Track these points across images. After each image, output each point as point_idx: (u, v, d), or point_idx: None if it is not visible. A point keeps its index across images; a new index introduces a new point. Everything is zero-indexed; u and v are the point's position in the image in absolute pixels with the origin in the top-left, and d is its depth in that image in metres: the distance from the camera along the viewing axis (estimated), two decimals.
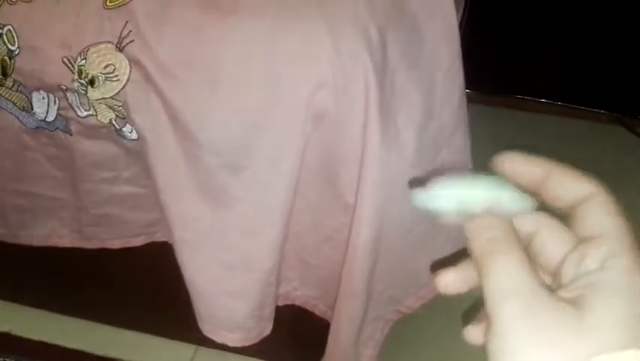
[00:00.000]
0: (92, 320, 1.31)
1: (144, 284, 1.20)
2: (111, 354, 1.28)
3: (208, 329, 0.97)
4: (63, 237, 1.05)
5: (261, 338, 0.99)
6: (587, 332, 0.27)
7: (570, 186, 0.34)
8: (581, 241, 0.32)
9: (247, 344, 0.97)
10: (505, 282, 0.30)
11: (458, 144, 0.95)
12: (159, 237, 1.05)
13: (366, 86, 0.78)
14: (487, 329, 0.30)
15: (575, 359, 0.27)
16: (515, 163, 0.35)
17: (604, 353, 0.27)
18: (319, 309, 1.07)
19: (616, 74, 1.94)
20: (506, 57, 2.03)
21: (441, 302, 1.05)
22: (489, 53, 1.99)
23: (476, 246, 0.32)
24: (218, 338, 0.97)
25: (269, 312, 0.98)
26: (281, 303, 1.05)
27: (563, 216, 0.34)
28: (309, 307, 1.07)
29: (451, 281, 0.35)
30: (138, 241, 1.05)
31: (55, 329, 1.31)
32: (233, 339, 0.96)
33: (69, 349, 1.28)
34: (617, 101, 2.00)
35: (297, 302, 1.07)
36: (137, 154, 0.88)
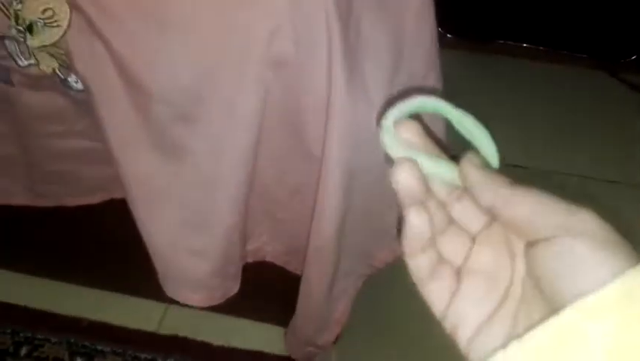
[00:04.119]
0: (55, 279, 1.28)
1: (110, 242, 1.17)
2: (79, 314, 1.24)
3: (170, 289, 0.93)
4: (16, 195, 1.00)
5: (226, 297, 0.95)
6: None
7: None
8: None
9: (212, 304, 0.93)
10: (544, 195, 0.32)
11: (429, 91, 0.89)
12: (119, 193, 1.00)
13: (329, 30, 0.71)
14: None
15: None
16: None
17: None
18: (291, 265, 1.03)
19: (598, 18, 1.90)
20: (487, 1, 1.99)
21: None
22: None
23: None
24: (181, 299, 0.93)
25: (234, 270, 0.94)
26: (251, 260, 1.01)
27: None
28: (280, 263, 1.04)
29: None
30: (95, 199, 1.00)
31: (17, 289, 1.27)
32: (196, 299, 0.92)
33: (32, 309, 1.24)
34: (599, 46, 1.97)
35: (268, 258, 1.03)
36: (87, 106, 0.82)
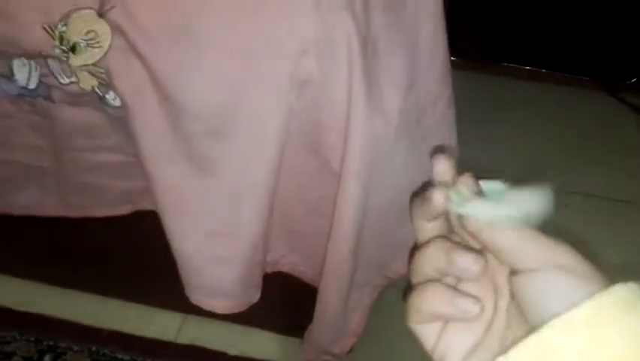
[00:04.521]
0: (77, 290, 1.31)
1: (131, 253, 1.20)
2: (98, 324, 1.28)
3: (195, 297, 0.97)
4: (46, 206, 1.05)
5: (248, 305, 0.99)
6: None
7: None
8: None
9: (235, 311, 0.98)
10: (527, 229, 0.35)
11: (442, 107, 0.94)
12: (145, 205, 1.05)
13: (349, 50, 0.77)
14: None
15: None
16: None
17: None
18: (307, 276, 1.07)
19: (600, 40, 1.94)
20: (491, 24, 2.03)
21: None
22: (474, 19, 1.99)
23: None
24: (205, 306, 0.97)
25: (256, 279, 0.98)
26: (269, 270, 1.05)
27: None
28: (296, 274, 1.08)
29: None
30: (123, 210, 1.05)
31: (41, 299, 1.30)
32: (220, 306, 0.97)
33: (55, 318, 1.28)
34: (601, 67, 2.00)
35: (285, 269, 1.07)
36: (121, 121, 0.87)
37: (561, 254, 0.33)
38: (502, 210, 0.36)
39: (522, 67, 2.06)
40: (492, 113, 1.82)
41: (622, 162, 1.79)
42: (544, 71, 2.05)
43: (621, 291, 0.31)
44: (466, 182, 0.38)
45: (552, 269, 0.33)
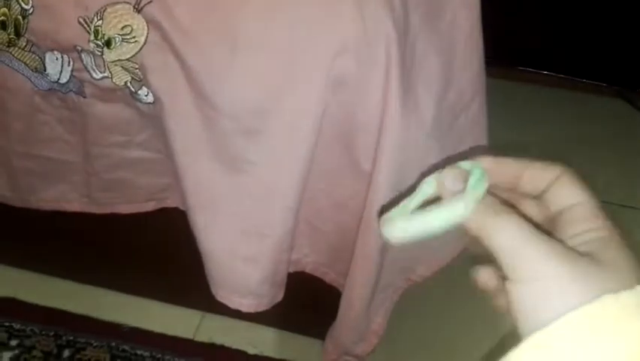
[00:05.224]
0: (97, 286, 1.32)
1: (151, 250, 1.20)
2: (118, 320, 1.28)
3: (221, 295, 0.96)
4: (72, 201, 1.04)
5: (273, 304, 0.99)
6: (606, 275, 0.32)
7: (539, 174, 0.39)
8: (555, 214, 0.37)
9: (260, 310, 0.97)
10: (522, 231, 0.34)
11: (475, 112, 0.94)
12: (170, 203, 1.05)
13: (388, 52, 0.76)
14: (506, 282, 0.34)
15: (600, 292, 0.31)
16: (490, 165, 0.40)
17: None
18: (329, 276, 1.07)
19: (617, 46, 1.94)
20: (507, 28, 2.02)
21: (449, 271, 1.06)
22: (490, 23, 1.99)
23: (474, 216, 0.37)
24: (231, 304, 0.96)
25: (281, 278, 0.98)
26: (291, 270, 1.05)
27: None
28: (318, 274, 1.07)
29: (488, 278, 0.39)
30: (148, 207, 1.05)
31: (61, 294, 1.31)
32: (246, 305, 0.96)
33: (74, 314, 1.28)
34: (618, 73, 2.00)
35: (307, 269, 1.07)
36: (152, 118, 0.87)
37: (554, 265, 0.33)
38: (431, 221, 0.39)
39: (539, 71, 2.06)
40: (507, 117, 1.81)
41: (638, 170, 1.80)
42: (561, 76, 2.05)
43: (623, 296, 0.30)
44: (447, 175, 0.40)
45: (545, 282, 0.32)
